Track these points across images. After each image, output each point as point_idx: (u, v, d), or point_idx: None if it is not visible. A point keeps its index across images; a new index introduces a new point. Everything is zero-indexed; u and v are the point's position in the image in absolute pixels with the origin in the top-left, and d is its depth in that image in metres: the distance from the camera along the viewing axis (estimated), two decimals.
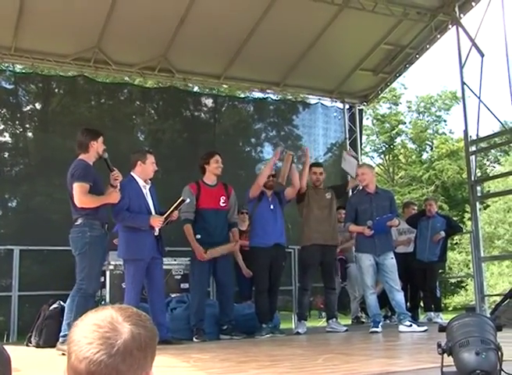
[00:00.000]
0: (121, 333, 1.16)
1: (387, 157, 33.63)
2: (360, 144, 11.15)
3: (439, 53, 28.58)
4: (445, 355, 2.37)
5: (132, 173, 5.70)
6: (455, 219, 26.75)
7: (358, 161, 7.16)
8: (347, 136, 10.81)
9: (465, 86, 8.83)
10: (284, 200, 6.79)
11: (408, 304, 8.70)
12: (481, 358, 2.23)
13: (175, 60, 9.16)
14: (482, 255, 8.81)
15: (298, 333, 6.57)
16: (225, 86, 10.10)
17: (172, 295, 6.97)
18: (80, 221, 5.04)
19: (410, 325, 6.13)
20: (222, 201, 6.39)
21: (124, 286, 6.61)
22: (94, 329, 1.16)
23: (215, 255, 6.19)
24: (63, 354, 4.49)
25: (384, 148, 33.41)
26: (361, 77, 10.32)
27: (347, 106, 10.94)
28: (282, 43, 8.96)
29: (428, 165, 31.41)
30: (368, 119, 30.69)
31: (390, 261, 6.42)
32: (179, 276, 7.39)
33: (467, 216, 23.48)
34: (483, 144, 9.49)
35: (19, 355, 5.14)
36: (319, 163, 7.87)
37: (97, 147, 5.20)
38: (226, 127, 10.37)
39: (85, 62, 8.76)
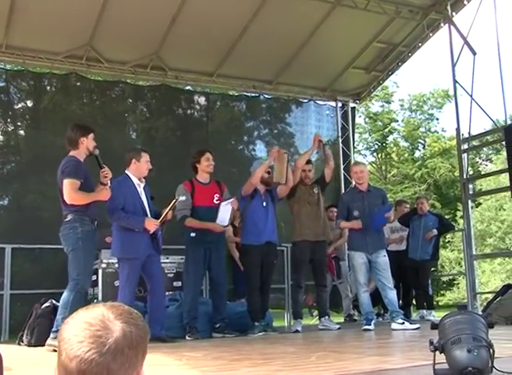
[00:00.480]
0: (112, 331, 1.15)
1: (379, 155, 33.70)
2: (353, 142, 11.15)
3: (431, 51, 28.68)
4: (437, 352, 2.38)
5: (126, 172, 5.69)
6: (447, 217, 26.92)
7: (325, 144, 7.14)
8: (340, 134, 10.82)
9: (457, 84, 8.87)
10: (276, 197, 6.80)
11: (400, 302, 8.73)
12: (472, 356, 2.24)
13: (167, 58, 9.14)
14: (474, 252, 8.85)
15: (297, 331, 6.56)
16: (217, 85, 10.06)
17: (165, 293, 6.95)
18: (69, 217, 5.00)
19: (403, 323, 6.15)
20: (215, 198, 6.39)
21: (117, 284, 6.61)
22: (84, 327, 1.15)
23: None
24: (54, 350, 4.47)
25: (376, 146, 33.48)
26: (354, 75, 10.33)
27: (340, 104, 10.94)
28: (274, 41, 8.96)
29: (420, 163, 31.51)
30: (360, 117, 30.78)
31: (383, 259, 6.43)
32: (171, 275, 7.39)
33: (459, 214, 23.57)
34: (475, 143, 9.52)
35: (11, 353, 5.11)
36: (308, 160, 7.85)
37: (88, 143, 5.14)
38: (219, 125, 10.36)
39: (77, 59, 8.73)
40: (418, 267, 8.06)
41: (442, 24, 9.15)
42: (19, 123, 8.80)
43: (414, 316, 8.56)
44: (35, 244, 7.95)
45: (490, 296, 7.83)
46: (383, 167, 33.51)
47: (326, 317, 6.85)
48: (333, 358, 3.61)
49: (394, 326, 6.18)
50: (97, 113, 9.19)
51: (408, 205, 8.64)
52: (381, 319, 8.36)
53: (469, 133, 8.71)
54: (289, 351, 4.47)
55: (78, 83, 9.12)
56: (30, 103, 9.00)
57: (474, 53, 8.50)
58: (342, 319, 8.86)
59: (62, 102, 9.04)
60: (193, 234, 6.19)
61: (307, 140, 10.49)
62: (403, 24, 9.26)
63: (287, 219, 7.99)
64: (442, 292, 25.98)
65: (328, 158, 7.02)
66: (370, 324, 6.25)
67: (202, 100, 10.26)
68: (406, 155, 33.09)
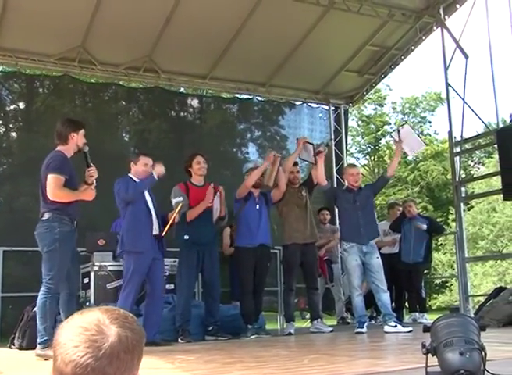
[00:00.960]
0: (108, 335, 1.15)
1: (372, 158, 33.78)
2: (346, 145, 11.17)
3: (423, 54, 28.75)
4: (429, 355, 2.38)
5: (129, 174, 5.76)
6: (439, 220, 27.01)
7: (313, 145, 7.08)
8: (333, 137, 10.83)
9: (450, 87, 8.90)
10: (270, 201, 6.81)
11: (393, 304, 8.74)
12: (465, 358, 2.24)
13: (160, 60, 9.13)
14: (466, 255, 8.87)
15: (290, 334, 6.55)
16: (210, 87, 10.06)
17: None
18: (47, 216, 4.74)
19: (396, 325, 6.15)
20: (210, 201, 6.42)
21: (109, 287, 6.60)
22: (80, 331, 1.15)
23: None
24: (46, 359, 4.44)
25: (369, 149, 33.56)
26: (347, 78, 10.35)
27: (333, 107, 10.95)
28: (267, 44, 8.96)
29: (412, 166, 31.60)
30: (353, 120, 30.83)
31: (376, 261, 6.42)
32: (164, 277, 7.35)
33: (451, 216, 23.65)
34: (467, 146, 9.55)
35: (2, 356, 5.10)
36: (295, 162, 7.85)
37: (78, 139, 4.92)
38: (212, 128, 10.36)
39: (70, 61, 8.71)
40: (411, 270, 8.07)
41: (434, 28, 9.18)
42: (11, 125, 8.77)
43: (407, 318, 8.57)
44: (27, 247, 7.88)
45: (482, 299, 7.84)
46: (376, 170, 33.57)
47: (319, 320, 6.85)
48: (326, 361, 3.61)
49: (387, 328, 6.18)
50: (89, 115, 9.15)
51: (401, 208, 8.64)
52: (373, 321, 8.36)
53: (461, 136, 8.73)
54: (281, 354, 4.47)
55: (71, 86, 9.10)
56: (22, 105, 8.97)
57: (467, 56, 8.53)
58: (335, 322, 8.86)
59: (55, 104, 9.02)
60: (186, 237, 6.19)
61: None
62: (396, 27, 9.29)
63: (280, 222, 7.99)
64: (434, 295, 26.04)
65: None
66: (363, 327, 6.24)
67: (195, 102, 10.26)
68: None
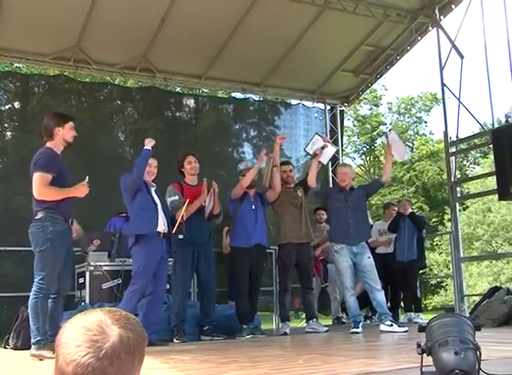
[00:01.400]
0: (109, 336, 1.16)
1: (368, 158, 33.83)
2: (342, 145, 11.18)
3: (419, 55, 28.81)
4: (424, 354, 2.38)
5: None
6: (435, 220, 27.10)
7: (336, 148, 7.02)
8: (328, 137, 10.82)
9: (445, 87, 8.92)
10: (266, 201, 6.81)
11: (389, 304, 8.75)
12: (459, 358, 2.24)
13: (156, 60, 9.12)
14: (462, 255, 8.89)
15: (285, 333, 6.55)
16: (205, 88, 10.06)
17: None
18: (40, 215, 4.65)
19: (391, 325, 6.15)
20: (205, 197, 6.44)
21: (104, 287, 6.59)
22: (82, 332, 1.16)
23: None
24: (40, 359, 4.43)
25: (365, 149, 33.61)
26: (342, 78, 10.36)
27: (328, 107, 10.96)
28: (263, 44, 8.96)
29: (408, 166, 31.65)
30: (348, 120, 30.91)
31: (368, 260, 6.38)
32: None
33: (446, 217, 23.70)
34: (463, 146, 9.58)
35: None
36: (287, 161, 7.86)
37: (64, 134, 4.82)
38: (207, 128, 10.34)
39: (65, 61, 8.69)
40: (406, 269, 8.08)
41: (430, 28, 9.19)
42: (6, 125, 8.75)
43: (402, 318, 8.58)
44: (22, 247, 7.87)
45: (478, 298, 7.86)
46: (371, 170, 33.63)
47: (314, 320, 6.84)
48: (321, 361, 3.61)
49: (383, 328, 6.18)
50: (85, 115, 9.13)
51: (396, 208, 8.65)
52: (369, 321, 8.37)
53: (457, 136, 8.76)
54: (276, 354, 4.46)
55: (66, 85, 9.09)
56: (17, 105, 8.95)
57: (462, 57, 8.55)
58: (330, 322, 8.86)
59: (50, 104, 8.99)
60: (181, 236, 6.18)
61: (295, 143, 10.53)
62: (392, 28, 9.29)
63: (275, 222, 8.00)
64: (430, 295, 26.09)
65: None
66: (358, 327, 6.24)
67: (191, 102, 10.25)
68: (394, 157, 33.16)
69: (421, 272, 9.43)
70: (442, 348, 2.30)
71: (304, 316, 7.68)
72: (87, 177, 4.79)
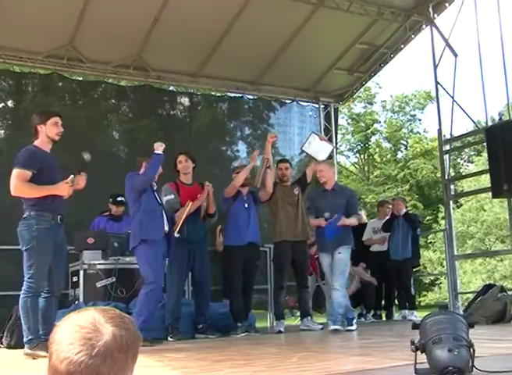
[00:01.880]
0: (102, 334, 1.17)
1: (362, 156, 33.89)
2: (336, 143, 11.19)
3: (413, 53, 28.81)
4: (418, 352, 2.39)
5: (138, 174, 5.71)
6: (429, 218, 27.15)
7: (333, 146, 6.99)
8: (323, 134, 10.83)
9: (439, 85, 8.95)
10: (259, 200, 6.82)
11: (383, 302, 8.78)
12: (453, 355, 2.25)
13: (149, 58, 9.09)
14: (456, 253, 8.91)
15: (280, 331, 6.55)
16: (200, 86, 10.04)
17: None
18: (26, 213, 4.62)
19: (336, 330, 5.96)
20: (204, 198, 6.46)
21: (98, 285, 6.57)
22: (76, 329, 1.17)
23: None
24: (34, 358, 4.42)
25: (359, 147, 33.66)
26: (337, 76, 10.35)
27: (322, 105, 10.95)
28: (257, 42, 8.95)
29: (402, 164, 31.72)
30: (343, 118, 30.92)
31: (337, 256, 6.19)
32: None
33: (440, 214, 23.75)
34: (457, 144, 9.60)
35: None
36: (284, 159, 7.84)
37: (47, 130, 4.73)
38: (202, 126, 10.32)
39: (58, 59, 8.65)
40: (400, 267, 8.10)
41: (424, 26, 9.21)
42: None
43: (396, 316, 8.61)
44: (14, 245, 7.84)
45: (471, 296, 7.88)
46: (366, 168, 33.69)
47: (308, 318, 6.86)
48: (315, 359, 3.62)
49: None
50: (79, 114, 9.10)
51: (391, 206, 8.66)
52: (363, 319, 8.38)
53: (451, 134, 8.78)
54: (271, 352, 4.47)
55: (60, 84, 9.04)
56: (10, 103, 8.90)
57: (456, 55, 8.57)
58: (325, 320, 8.87)
59: (44, 103, 8.93)
60: (176, 235, 6.17)
61: (289, 141, 10.52)
62: (386, 26, 9.30)
63: (270, 220, 8.00)
64: (424, 293, 26.16)
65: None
66: (352, 324, 6.24)
67: (185, 101, 10.22)
68: (388, 156, 33.27)
69: (415, 270, 9.43)
70: (436, 345, 2.31)
71: (298, 313, 7.67)
72: (72, 176, 4.74)
